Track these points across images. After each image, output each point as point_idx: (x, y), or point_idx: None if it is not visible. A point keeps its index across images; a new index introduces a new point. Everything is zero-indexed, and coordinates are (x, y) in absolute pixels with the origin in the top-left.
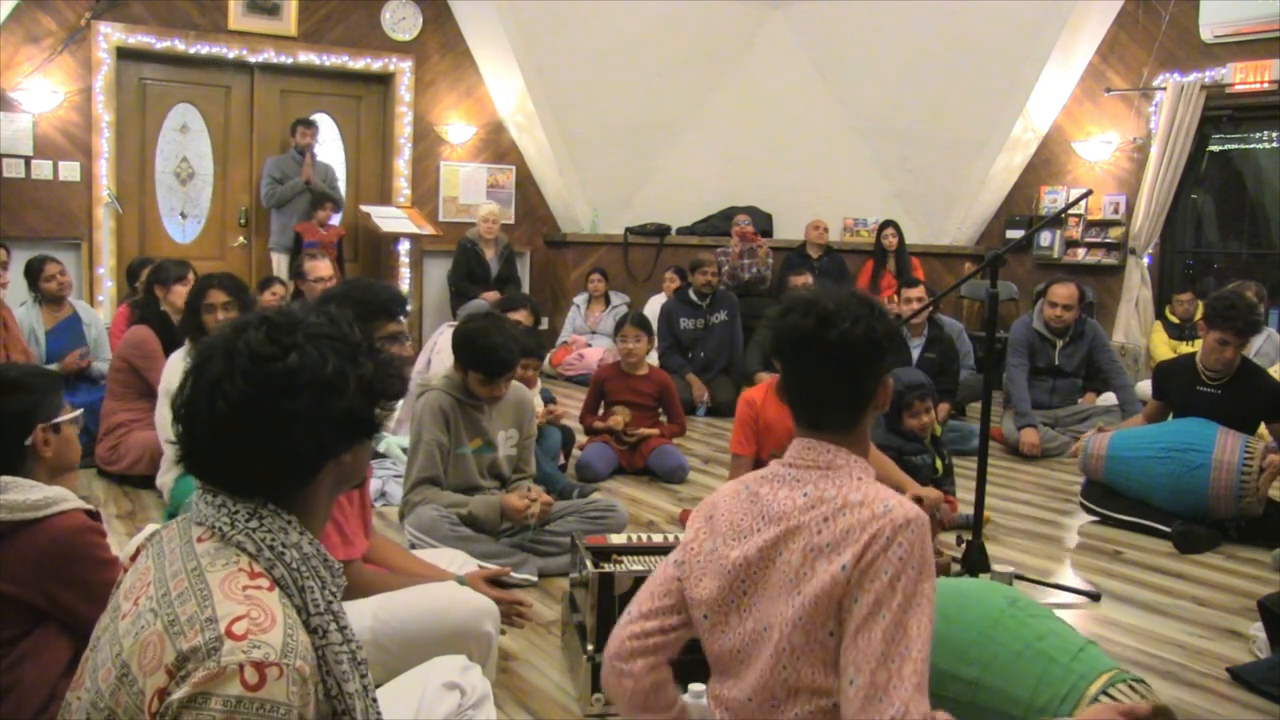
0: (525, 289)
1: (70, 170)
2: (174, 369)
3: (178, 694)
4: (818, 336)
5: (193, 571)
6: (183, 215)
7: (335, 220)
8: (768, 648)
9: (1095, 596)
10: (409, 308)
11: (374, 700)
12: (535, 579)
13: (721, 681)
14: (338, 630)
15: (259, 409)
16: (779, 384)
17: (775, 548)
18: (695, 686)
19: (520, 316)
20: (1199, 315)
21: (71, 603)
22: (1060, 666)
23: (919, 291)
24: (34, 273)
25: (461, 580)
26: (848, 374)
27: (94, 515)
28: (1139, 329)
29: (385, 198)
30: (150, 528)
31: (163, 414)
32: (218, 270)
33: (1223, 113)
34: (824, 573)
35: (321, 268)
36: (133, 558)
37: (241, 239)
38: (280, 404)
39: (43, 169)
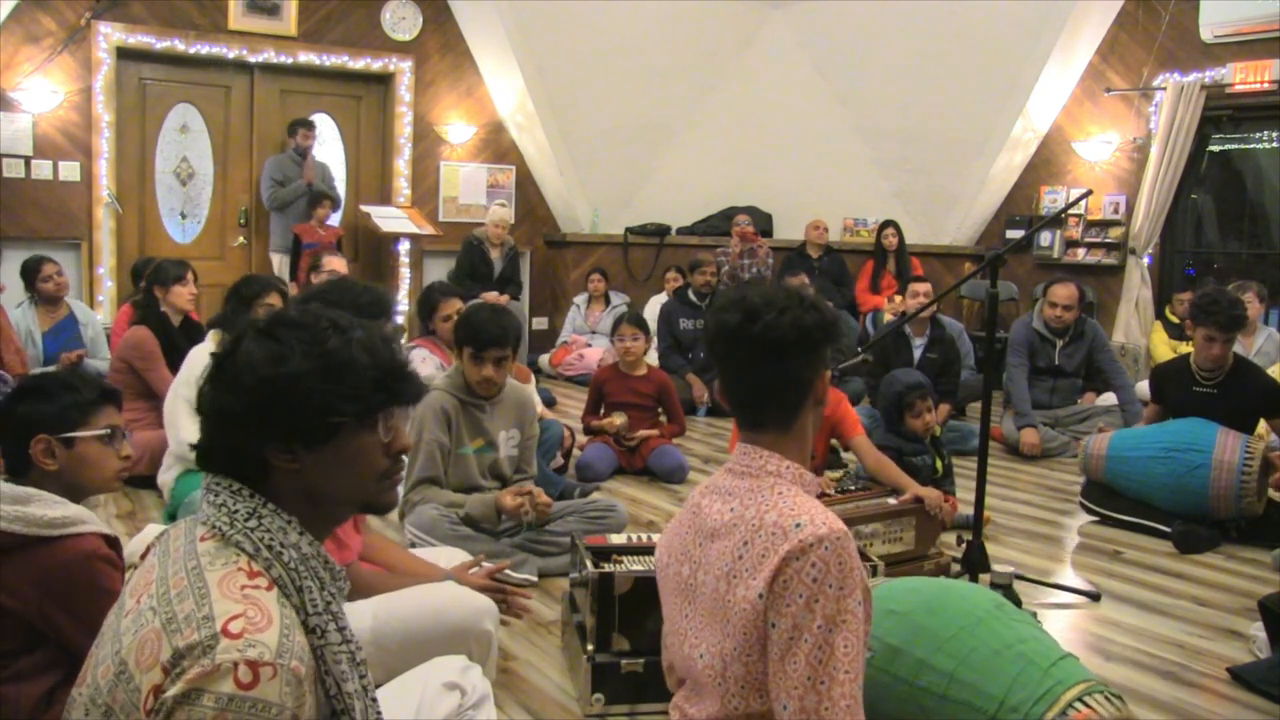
0: (525, 289)
1: (70, 170)
2: (199, 360)
3: (172, 690)
4: (744, 331)
5: (192, 570)
6: (183, 215)
7: (334, 220)
8: (716, 677)
9: (1095, 596)
10: (398, 309)
11: (374, 700)
12: (535, 579)
13: (686, 696)
14: (336, 630)
15: (203, 401)
16: (718, 389)
17: (706, 567)
18: None
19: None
20: None
21: (64, 628)
22: (1038, 669)
23: (927, 286)
24: (31, 273)
25: (448, 574)
26: (778, 367)
27: (113, 543)
28: (1139, 329)
29: (385, 198)
30: (155, 527)
31: (172, 407)
32: (217, 270)
33: (1223, 113)
34: (744, 601)
35: (337, 262)
36: (142, 556)
37: (241, 239)
38: (207, 388)
39: (43, 169)
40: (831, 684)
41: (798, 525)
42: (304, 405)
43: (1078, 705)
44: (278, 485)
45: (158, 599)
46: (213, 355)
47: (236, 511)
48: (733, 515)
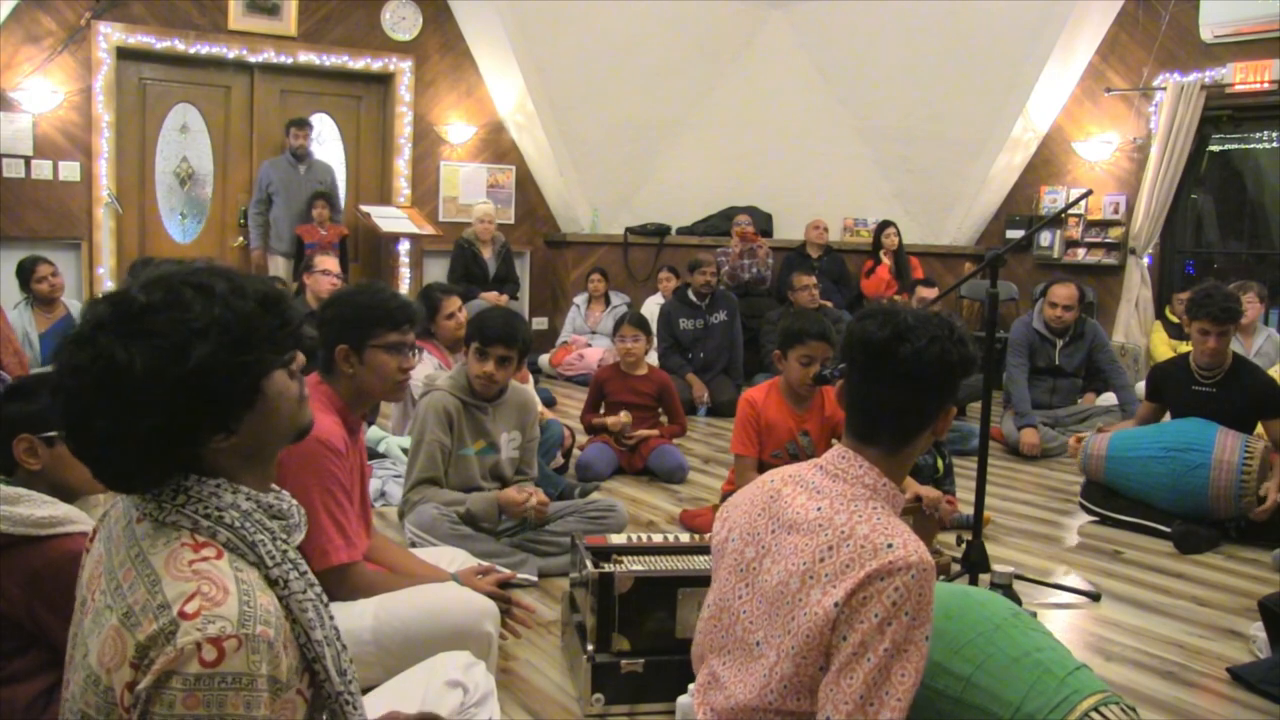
0: (525, 289)
1: (70, 170)
2: None
3: (144, 683)
4: (888, 348)
5: (136, 558)
6: (182, 215)
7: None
8: (758, 667)
9: (1095, 596)
10: (416, 316)
11: (344, 647)
12: (535, 579)
13: (713, 682)
14: (299, 577)
15: (78, 424)
16: (839, 389)
17: (778, 557)
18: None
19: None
20: None
21: (52, 628)
22: (1055, 679)
23: (935, 292)
24: (25, 274)
25: (454, 577)
26: (908, 393)
27: None
28: (1139, 329)
29: (385, 198)
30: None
31: None
32: None
33: (1223, 113)
34: (817, 605)
35: (329, 261)
36: (90, 540)
37: (241, 239)
38: (91, 419)
39: (43, 169)
40: (881, 708)
41: (889, 545)
42: (233, 381)
43: (1093, 715)
44: (205, 459)
45: (111, 595)
46: (69, 374)
47: (161, 493)
48: (819, 515)
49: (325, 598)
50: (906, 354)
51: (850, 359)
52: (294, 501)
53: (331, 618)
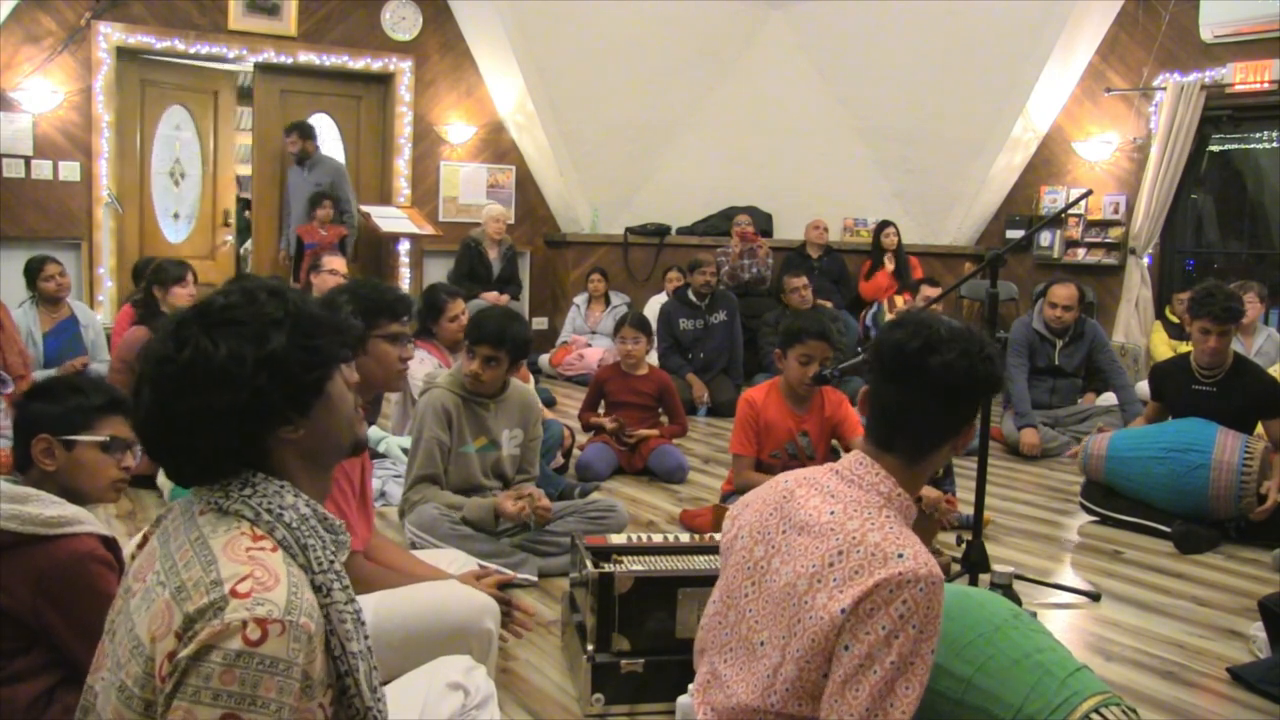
0: (525, 289)
1: (70, 170)
2: None
3: (184, 652)
4: (918, 359)
5: (195, 540)
6: (175, 215)
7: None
8: (761, 667)
9: (1095, 596)
10: (413, 309)
11: (375, 667)
12: (535, 579)
13: (714, 680)
14: (341, 589)
15: (164, 412)
16: (862, 395)
17: (787, 558)
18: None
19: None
20: None
21: (57, 627)
22: (1055, 680)
23: (938, 290)
24: (33, 272)
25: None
26: (933, 406)
27: (110, 545)
28: (1139, 329)
29: (385, 198)
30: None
31: None
32: (206, 270)
33: (1223, 113)
34: (823, 610)
35: (336, 262)
36: (140, 545)
37: (231, 238)
38: (176, 404)
39: (43, 169)
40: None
41: (900, 555)
42: (306, 368)
43: (1093, 717)
44: (271, 460)
45: (165, 574)
46: (155, 365)
47: (229, 484)
48: (832, 519)
49: (363, 616)
50: (936, 366)
51: (878, 366)
52: (342, 522)
53: (366, 636)
